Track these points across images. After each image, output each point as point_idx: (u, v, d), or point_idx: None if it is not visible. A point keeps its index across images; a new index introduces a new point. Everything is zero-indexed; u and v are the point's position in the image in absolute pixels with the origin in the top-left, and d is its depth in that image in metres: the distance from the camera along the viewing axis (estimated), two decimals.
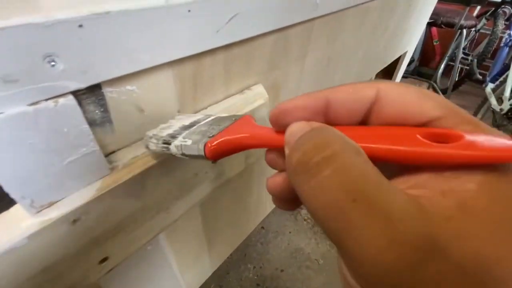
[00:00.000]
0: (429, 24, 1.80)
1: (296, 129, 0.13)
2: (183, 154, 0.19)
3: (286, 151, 0.13)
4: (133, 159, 0.23)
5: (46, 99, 0.16)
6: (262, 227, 1.07)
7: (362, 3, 0.47)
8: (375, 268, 0.09)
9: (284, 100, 0.14)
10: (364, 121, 0.14)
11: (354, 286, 0.11)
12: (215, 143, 0.17)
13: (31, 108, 0.15)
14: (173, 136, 0.20)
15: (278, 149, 0.16)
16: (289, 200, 0.15)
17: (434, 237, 0.09)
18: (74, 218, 0.20)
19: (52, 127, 0.17)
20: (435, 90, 2.26)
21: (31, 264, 0.18)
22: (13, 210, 0.18)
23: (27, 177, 0.17)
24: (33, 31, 0.14)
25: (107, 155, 0.23)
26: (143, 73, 0.21)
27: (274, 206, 0.66)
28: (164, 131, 0.21)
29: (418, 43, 2.56)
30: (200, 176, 0.30)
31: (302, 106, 0.14)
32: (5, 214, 0.18)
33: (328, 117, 0.14)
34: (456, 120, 0.12)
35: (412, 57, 2.51)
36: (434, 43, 2.59)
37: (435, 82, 2.31)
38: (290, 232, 0.99)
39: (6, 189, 0.16)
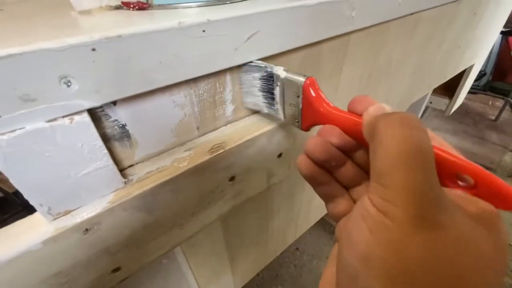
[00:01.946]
0: (505, 34, 1.57)
1: (379, 107, 0.17)
2: (286, 78, 0.24)
3: (367, 116, 0.17)
4: (148, 174, 0.23)
5: (63, 117, 0.17)
6: (297, 249, 1.02)
7: (410, 14, 0.43)
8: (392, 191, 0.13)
9: None
10: None
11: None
12: (315, 81, 0.22)
13: (48, 124, 0.17)
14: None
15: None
16: (315, 162, 0.20)
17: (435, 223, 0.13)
18: (86, 228, 0.20)
19: (68, 142, 0.18)
20: None
21: (44, 268, 0.20)
22: (35, 215, 0.20)
23: (44, 187, 0.18)
24: (49, 55, 0.15)
25: (125, 168, 0.24)
26: (158, 91, 0.22)
27: (304, 229, 0.62)
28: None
29: (492, 54, 2.25)
30: (217, 193, 0.29)
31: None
32: (28, 218, 0.20)
33: None
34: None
35: (484, 70, 2.21)
36: None
37: None
38: (327, 258, 0.93)
39: (26, 196, 0.18)
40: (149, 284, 0.32)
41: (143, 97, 0.21)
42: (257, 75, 0.26)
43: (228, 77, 0.26)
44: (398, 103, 0.62)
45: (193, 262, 0.38)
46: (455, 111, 1.18)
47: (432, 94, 1.06)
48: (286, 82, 0.24)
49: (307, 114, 0.23)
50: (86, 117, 0.18)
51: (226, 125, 0.29)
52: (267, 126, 0.30)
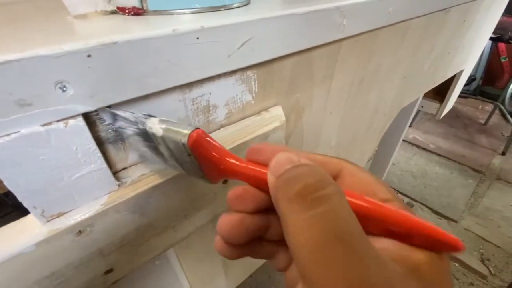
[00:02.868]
0: (494, 40, 1.61)
1: (283, 159, 0.14)
2: (164, 136, 0.18)
3: (271, 177, 0.14)
4: (141, 177, 0.24)
5: (57, 121, 0.17)
6: None
7: (400, 22, 0.44)
8: None
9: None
10: None
11: None
12: (203, 135, 0.17)
13: (43, 128, 0.17)
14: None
15: (250, 184, 0.17)
16: (236, 245, 0.16)
17: None
18: (79, 230, 0.21)
19: (62, 146, 0.18)
20: (501, 113, 1.98)
21: (37, 270, 0.20)
22: (28, 217, 0.20)
23: (38, 189, 0.19)
24: (45, 61, 0.15)
25: (118, 171, 0.24)
26: (153, 95, 0.22)
27: None
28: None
29: (482, 60, 2.30)
30: (210, 196, 0.29)
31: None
32: (21, 220, 0.20)
33: None
34: (399, 204, 0.14)
35: (474, 75, 2.26)
36: (502, 60, 2.30)
37: (503, 103, 2.03)
38: None
39: (20, 199, 0.18)
40: (142, 285, 0.33)
41: (138, 101, 0.22)
42: (130, 130, 0.20)
43: (222, 82, 0.26)
44: (389, 108, 0.63)
45: (186, 264, 0.38)
46: (446, 115, 1.20)
47: (423, 98, 1.08)
48: (167, 139, 0.18)
49: (209, 171, 0.19)
50: (80, 121, 0.18)
51: (219, 128, 0.29)
52: (258, 131, 0.30)
